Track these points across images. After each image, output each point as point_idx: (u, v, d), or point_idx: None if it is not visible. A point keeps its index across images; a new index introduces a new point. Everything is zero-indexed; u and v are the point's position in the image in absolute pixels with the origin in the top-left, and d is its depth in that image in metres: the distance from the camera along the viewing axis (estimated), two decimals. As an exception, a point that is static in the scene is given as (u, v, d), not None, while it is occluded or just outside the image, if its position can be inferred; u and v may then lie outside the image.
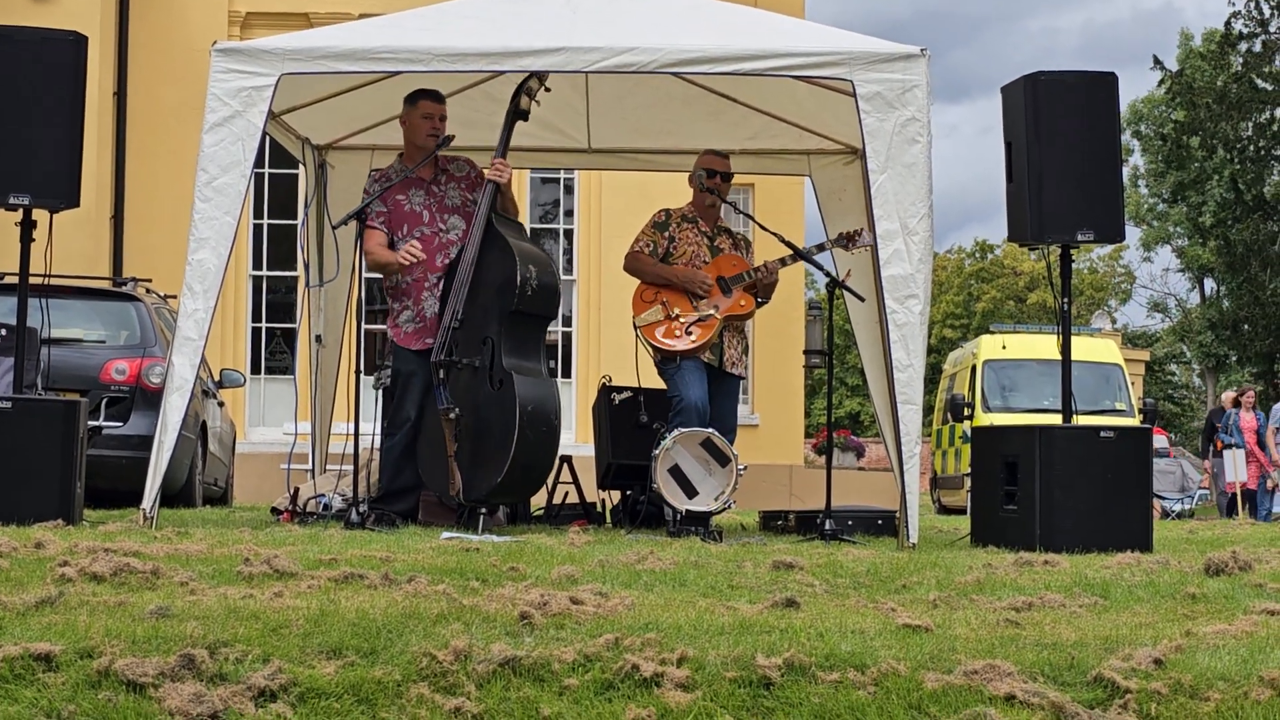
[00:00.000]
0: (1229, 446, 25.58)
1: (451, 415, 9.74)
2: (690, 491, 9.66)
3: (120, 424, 13.23)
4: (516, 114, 10.48)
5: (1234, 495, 25.06)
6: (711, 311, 10.56)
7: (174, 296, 11.78)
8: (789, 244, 10.45)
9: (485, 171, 10.33)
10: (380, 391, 10.36)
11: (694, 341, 10.48)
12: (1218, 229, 45.19)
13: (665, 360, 10.58)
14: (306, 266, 12.57)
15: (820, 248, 10.79)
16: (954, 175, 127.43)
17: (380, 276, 10.60)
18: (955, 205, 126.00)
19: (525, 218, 23.20)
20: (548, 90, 10.55)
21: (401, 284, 10.34)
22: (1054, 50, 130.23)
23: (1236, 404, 26.79)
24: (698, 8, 10.58)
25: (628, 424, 11.23)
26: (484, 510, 9.73)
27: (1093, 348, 28.27)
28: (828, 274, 10.43)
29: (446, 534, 8.95)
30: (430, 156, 10.37)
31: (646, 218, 11.01)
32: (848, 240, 10.62)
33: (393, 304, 10.38)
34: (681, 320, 10.53)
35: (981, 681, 4.69)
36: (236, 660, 4.61)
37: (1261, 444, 25.71)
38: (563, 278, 23.68)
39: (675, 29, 9.97)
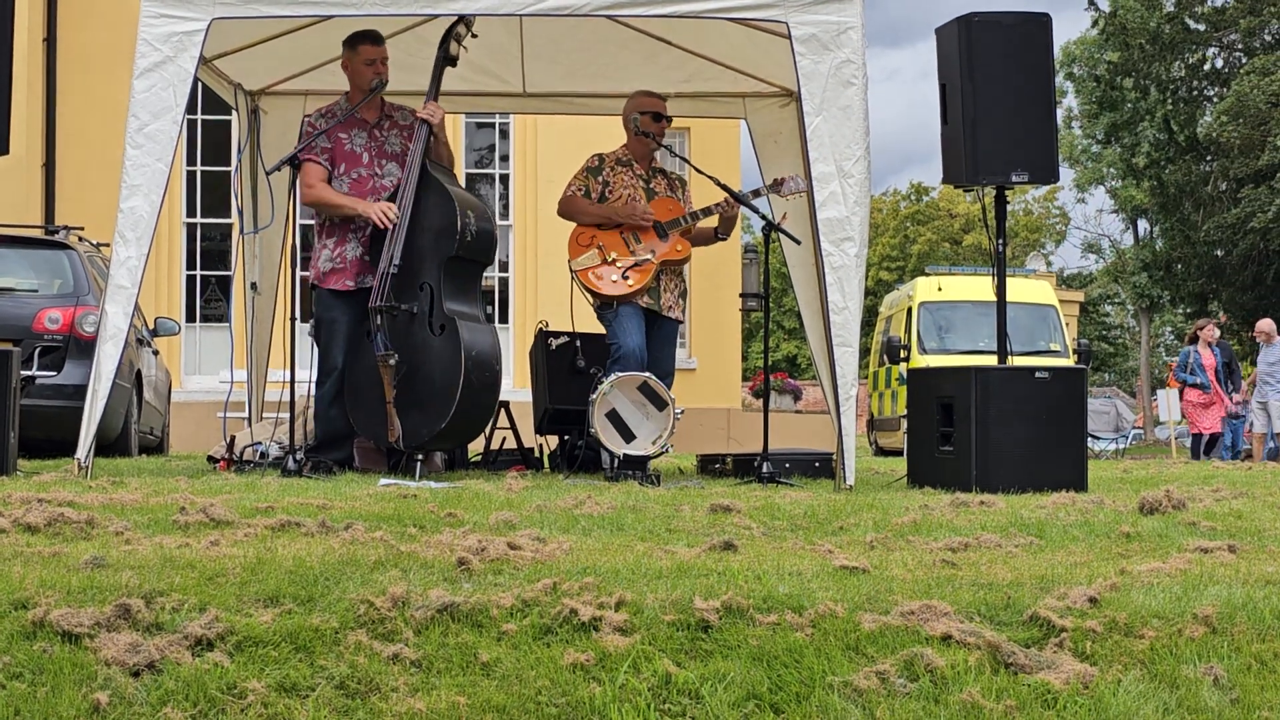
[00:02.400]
0: (1194, 386, 24.05)
1: (391, 361, 9.70)
2: (628, 436, 9.67)
3: (54, 373, 13.14)
4: (446, 60, 10.43)
5: (1205, 436, 23.93)
6: (648, 256, 10.54)
7: (107, 244, 11.68)
8: (724, 186, 10.45)
9: (417, 111, 10.27)
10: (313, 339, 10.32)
11: (630, 286, 10.46)
12: (1151, 170, 45.45)
13: (603, 306, 10.57)
14: (240, 213, 12.49)
15: (755, 193, 10.78)
16: (894, 119, 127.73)
17: (311, 220, 10.50)
18: (896, 149, 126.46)
19: (460, 163, 23.13)
20: (474, 37, 10.51)
21: (329, 221, 10.25)
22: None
23: (1194, 339, 24.89)
24: (632, -50, 10.53)
25: (565, 369, 11.22)
26: (419, 457, 9.71)
27: (1028, 289, 28.42)
28: (764, 217, 10.43)
29: (384, 480, 8.93)
30: (368, 99, 10.30)
31: (582, 161, 10.98)
32: (776, 186, 10.63)
33: (315, 242, 10.26)
34: (618, 264, 10.52)
35: (918, 622, 4.71)
36: (173, 610, 4.59)
37: (1220, 381, 24.12)
38: (499, 222, 23.63)
39: (609, -28, 9.92)
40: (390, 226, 9.92)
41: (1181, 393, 24.41)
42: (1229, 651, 4.70)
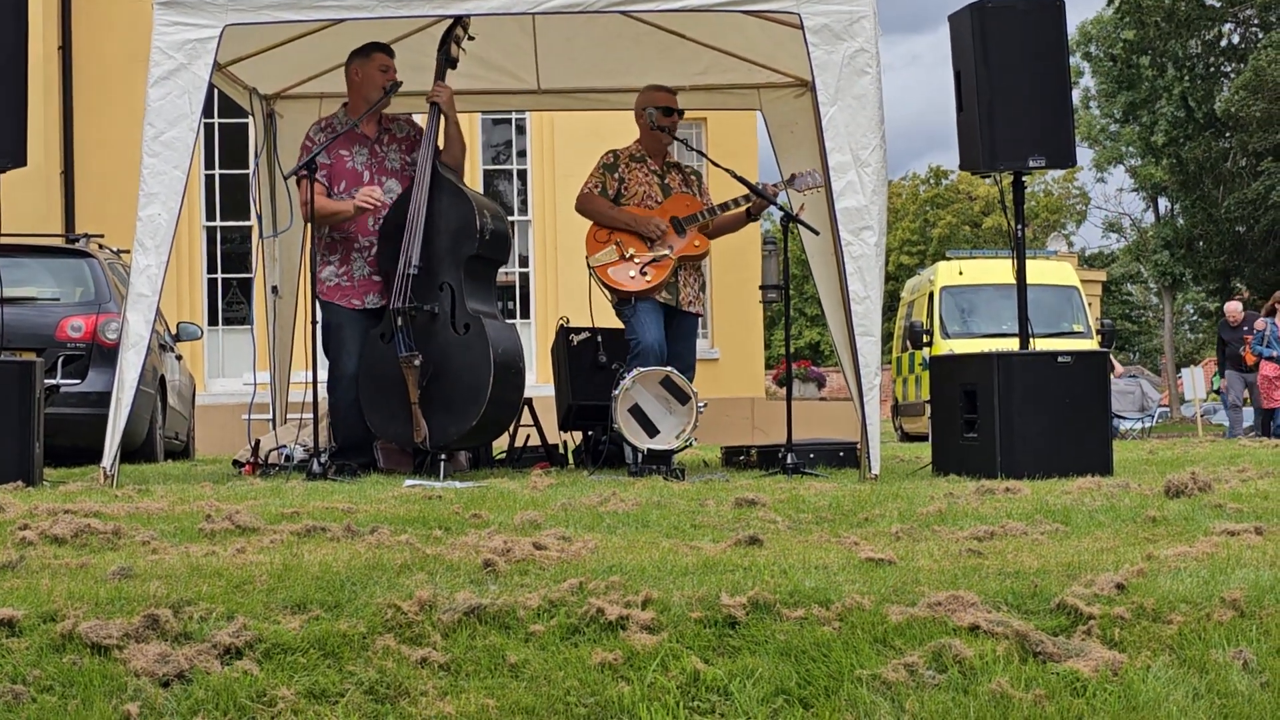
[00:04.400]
0: (1270, 359, 23.55)
1: (415, 362, 9.72)
2: (651, 430, 9.67)
3: (78, 381, 13.17)
4: (447, 62, 10.47)
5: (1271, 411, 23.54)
6: (666, 252, 10.54)
7: (127, 251, 11.70)
8: (742, 180, 10.43)
9: (426, 96, 10.29)
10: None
11: (649, 282, 10.46)
12: (1170, 147, 45.33)
13: (621, 302, 10.58)
14: (259, 218, 12.51)
15: (775, 188, 10.74)
16: (917, 104, 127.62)
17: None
18: (920, 133, 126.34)
19: (476, 160, 23.16)
20: (472, 39, 10.54)
21: (330, 238, 10.28)
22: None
23: (1272, 312, 24.31)
24: (643, -56, 10.53)
25: (587, 365, 11.23)
26: (444, 456, 9.73)
27: (1049, 270, 28.35)
28: (781, 208, 10.43)
29: (409, 482, 8.94)
30: (374, 109, 10.33)
31: (598, 157, 10.98)
32: (791, 181, 10.62)
33: (318, 256, 10.25)
34: (636, 260, 10.52)
35: (945, 613, 4.71)
36: (201, 619, 4.60)
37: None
38: (518, 218, 23.65)
39: (621, -34, 9.92)
40: (375, 204, 9.95)
41: (1257, 366, 24.09)
42: (1258, 635, 4.69)
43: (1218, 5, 39.79)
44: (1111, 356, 32.81)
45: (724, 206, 10.73)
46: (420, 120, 10.75)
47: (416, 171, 10.15)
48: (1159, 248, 57.16)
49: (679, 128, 10.97)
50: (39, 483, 9.08)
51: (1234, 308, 25.01)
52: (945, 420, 9.78)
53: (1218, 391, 24.98)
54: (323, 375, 10.30)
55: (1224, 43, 41.47)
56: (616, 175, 10.76)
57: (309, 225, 11.74)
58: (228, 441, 19.65)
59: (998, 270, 27.47)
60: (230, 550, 5.62)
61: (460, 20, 10.27)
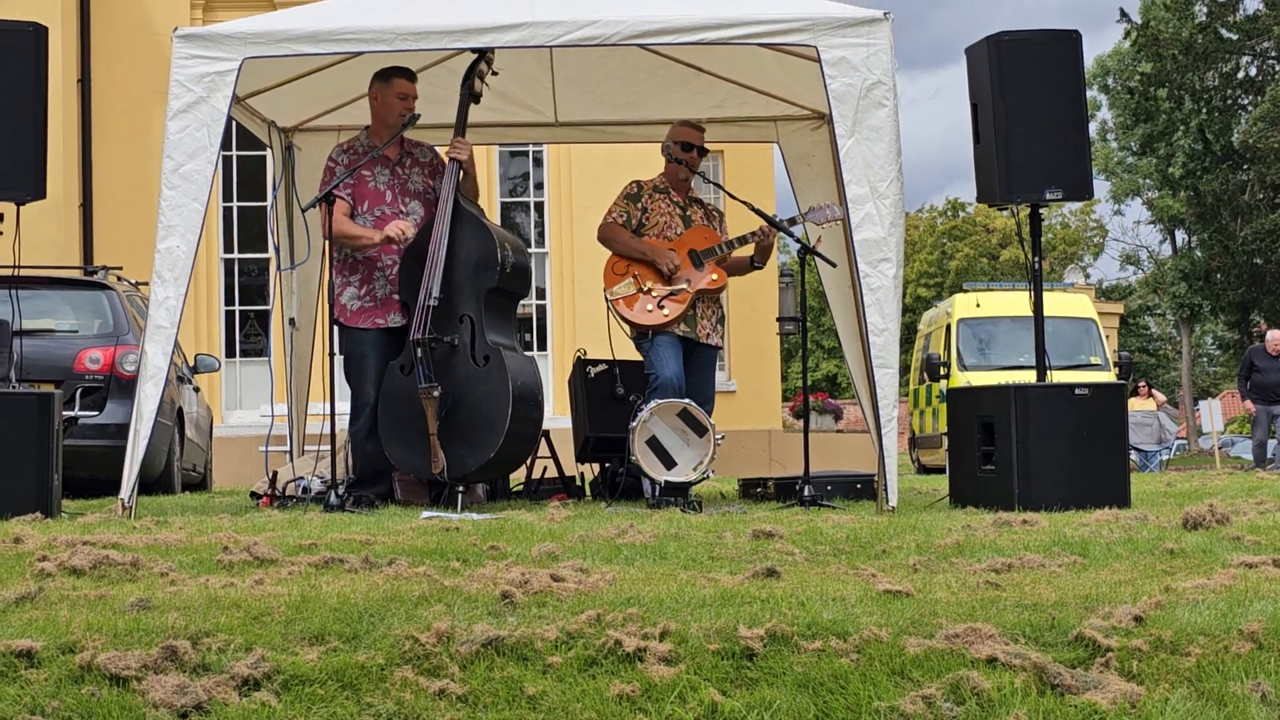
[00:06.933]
0: None
1: (434, 394, 9.73)
2: (669, 462, 9.67)
3: (96, 413, 13.20)
4: (470, 96, 10.50)
5: None
6: (683, 285, 10.54)
7: (145, 283, 11.74)
8: (760, 212, 10.43)
9: (448, 149, 10.31)
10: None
11: (666, 316, 10.47)
12: (1187, 180, 45.28)
13: (639, 335, 10.58)
14: (277, 250, 12.54)
15: (791, 221, 10.72)
16: (935, 138, 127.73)
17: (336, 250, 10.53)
18: (938, 166, 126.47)
19: (493, 192, 23.19)
20: (495, 74, 10.57)
21: (351, 258, 10.30)
22: (1039, 10, 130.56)
23: None
24: (660, -24, 10.56)
25: (604, 396, 11.24)
26: (461, 488, 9.73)
27: (1067, 303, 28.34)
28: (799, 241, 10.43)
29: (426, 513, 8.95)
30: (392, 139, 10.35)
31: (617, 189, 11.00)
32: (809, 214, 10.61)
33: (336, 278, 10.27)
34: (654, 294, 10.53)
35: (963, 645, 4.70)
36: (219, 650, 4.61)
37: None
38: (534, 250, 23.67)
39: (638, 0, 9.95)
40: (405, 239, 9.98)
41: None
42: (1276, 667, 4.68)
43: (1235, 38, 39.74)
44: (1154, 391, 32.65)
45: (742, 240, 10.73)
46: (442, 150, 10.78)
47: (439, 204, 10.17)
48: (1176, 280, 57.07)
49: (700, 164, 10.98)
50: (57, 514, 9.09)
51: (1277, 336, 24.68)
52: (962, 452, 9.78)
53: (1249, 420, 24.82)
54: (342, 407, 10.31)
55: (1241, 75, 41.39)
56: (640, 205, 10.76)
57: (324, 258, 11.79)
58: (245, 474, 19.66)
59: (1015, 302, 27.47)
60: (248, 582, 5.63)
61: (484, 54, 10.30)
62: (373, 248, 10.22)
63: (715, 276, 10.66)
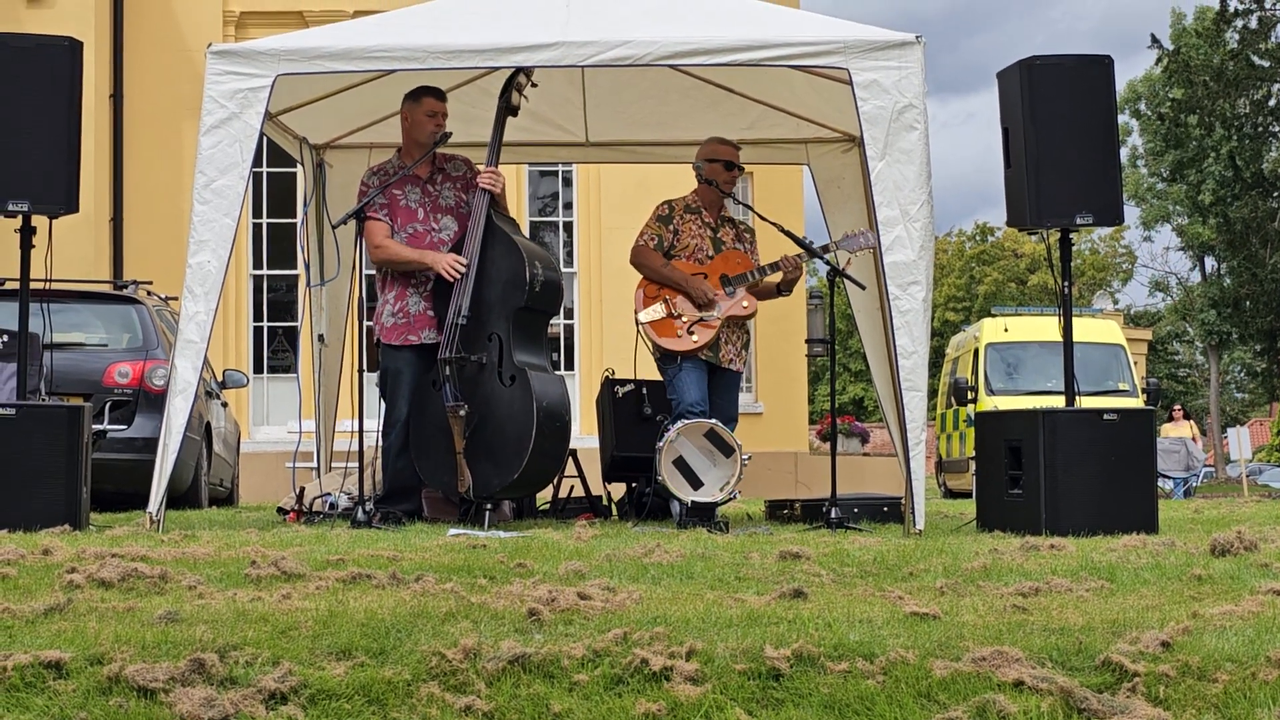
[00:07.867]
0: None
1: (461, 412, 9.73)
2: (695, 483, 9.67)
3: (124, 427, 13.25)
4: (507, 109, 10.51)
5: None
6: (714, 313, 10.52)
7: (175, 298, 11.78)
8: (790, 235, 10.41)
9: (479, 179, 10.30)
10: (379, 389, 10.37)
11: (695, 343, 10.44)
12: (1217, 207, 45.24)
13: (665, 359, 10.56)
14: (307, 266, 12.58)
15: (825, 249, 10.66)
16: (968, 161, 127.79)
17: (374, 271, 10.55)
18: (969, 190, 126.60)
19: (523, 211, 23.23)
20: (534, 86, 10.58)
21: (390, 275, 10.33)
22: (1072, 35, 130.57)
23: None
24: (692, -2, 10.58)
25: (632, 416, 11.25)
26: (489, 506, 9.74)
27: (1095, 328, 28.29)
28: (829, 263, 10.42)
29: (453, 530, 8.95)
30: (423, 158, 10.36)
31: (646, 209, 11.00)
32: (843, 242, 10.58)
33: (378, 295, 10.30)
34: (684, 320, 10.50)
35: (990, 668, 4.69)
36: (246, 663, 4.62)
37: None
38: (563, 270, 23.69)
39: (670, 20, 9.96)
40: (458, 278, 9.98)
41: None
42: (1304, 695, 4.67)
43: (1267, 65, 39.67)
44: (1192, 423, 32.52)
45: (774, 266, 10.69)
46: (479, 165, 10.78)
47: (469, 223, 10.18)
48: (1205, 307, 56.99)
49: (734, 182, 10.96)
50: (85, 527, 9.13)
51: None
52: (990, 476, 9.76)
53: None
54: (369, 424, 10.32)
55: (1272, 102, 41.31)
56: (671, 227, 10.73)
57: (354, 274, 11.81)
58: (272, 489, 19.70)
59: (1043, 327, 27.43)
60: (276, 596, 5.64)
61: (524, 69, 10.30)
62: (419, 269, 10.20)
63: (747, 304, 10.62)
